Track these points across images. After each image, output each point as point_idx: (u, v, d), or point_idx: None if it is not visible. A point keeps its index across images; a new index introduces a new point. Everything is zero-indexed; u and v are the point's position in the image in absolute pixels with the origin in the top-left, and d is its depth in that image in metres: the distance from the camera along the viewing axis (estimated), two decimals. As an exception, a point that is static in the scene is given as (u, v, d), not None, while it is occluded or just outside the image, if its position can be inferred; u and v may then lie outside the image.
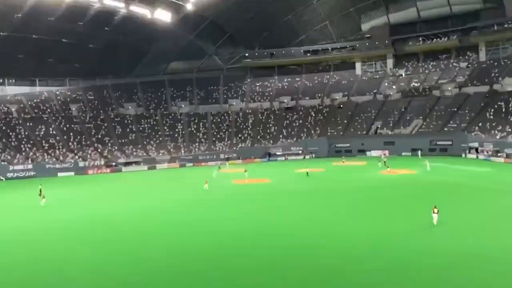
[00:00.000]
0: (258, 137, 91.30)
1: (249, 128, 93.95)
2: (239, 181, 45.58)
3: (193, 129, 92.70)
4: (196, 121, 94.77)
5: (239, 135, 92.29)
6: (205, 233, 22.85)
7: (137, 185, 48.04)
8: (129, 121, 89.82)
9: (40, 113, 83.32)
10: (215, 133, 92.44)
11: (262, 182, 44.26)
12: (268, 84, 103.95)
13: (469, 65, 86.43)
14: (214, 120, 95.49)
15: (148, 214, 28.60)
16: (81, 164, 73.21)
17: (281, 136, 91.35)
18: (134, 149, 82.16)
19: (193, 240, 21.48)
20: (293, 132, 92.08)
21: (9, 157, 68.69)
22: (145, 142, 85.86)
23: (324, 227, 22.92)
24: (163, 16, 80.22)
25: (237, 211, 27.76)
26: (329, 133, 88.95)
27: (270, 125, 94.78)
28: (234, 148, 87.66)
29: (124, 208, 30.49)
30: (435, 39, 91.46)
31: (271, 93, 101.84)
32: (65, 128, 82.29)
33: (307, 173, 46.45)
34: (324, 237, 21.25)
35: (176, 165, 79.46)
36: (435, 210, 23.99)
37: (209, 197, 34.27)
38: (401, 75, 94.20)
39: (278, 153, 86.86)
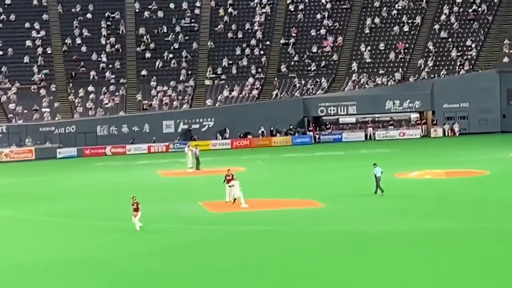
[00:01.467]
0: (282, 68, 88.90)
1: (255, 41, 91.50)
2: (220, 206, 44.58)
3: (75, 38, 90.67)
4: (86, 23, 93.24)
5: (223, 62, 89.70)
6: None
7: None
8: None
9: None
10: (147, 55, 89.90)
11: (295, 209, 43.58)
12: None
13: None
14: (141, 11, 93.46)
15: None
16: None
17: (355, 66, 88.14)
18: None
19: None
20: (391, 56, 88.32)
21: None
22: None
23: None
24: None
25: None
26: (507, 60, 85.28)
27: (318, 28, 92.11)
28: (208, 101, 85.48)
29: None
30: None
31: None
32: None
33: (377, 188, 46.04)
34: None
35: (27, 154, 78.01)
36: None
37: (138, 257, 32.68)
38: None
39: (343, 120, 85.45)
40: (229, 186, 44.10)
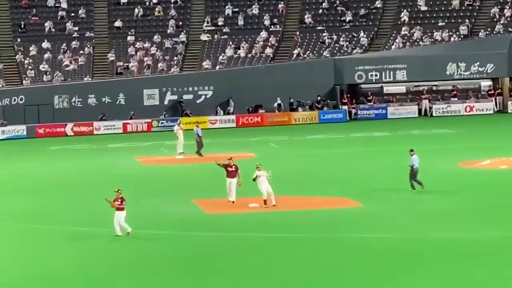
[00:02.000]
0: (306, 18, 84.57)
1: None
2: (220, 206, 43.23)
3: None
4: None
5: (226, 10, 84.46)
6: None
7: None
8: None
9: None
10: (122, 1, 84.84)
11: (323, 210, 42.83)
12: None
13: None
14: None
15: None
16: None
17: (405, 16, 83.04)
18: None
19: None
20: (455, 2, 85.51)
21: None
22: None
23: None
24: None
25: None
26: None
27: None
28: (205, 63, 79.94)
29: None
30: None
31: None
32: None
33: (412, 183, 44.74)
34: None
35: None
36: None
37: None
38: None
39: (389, 90, 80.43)
40: (253, 179, 39.67)
